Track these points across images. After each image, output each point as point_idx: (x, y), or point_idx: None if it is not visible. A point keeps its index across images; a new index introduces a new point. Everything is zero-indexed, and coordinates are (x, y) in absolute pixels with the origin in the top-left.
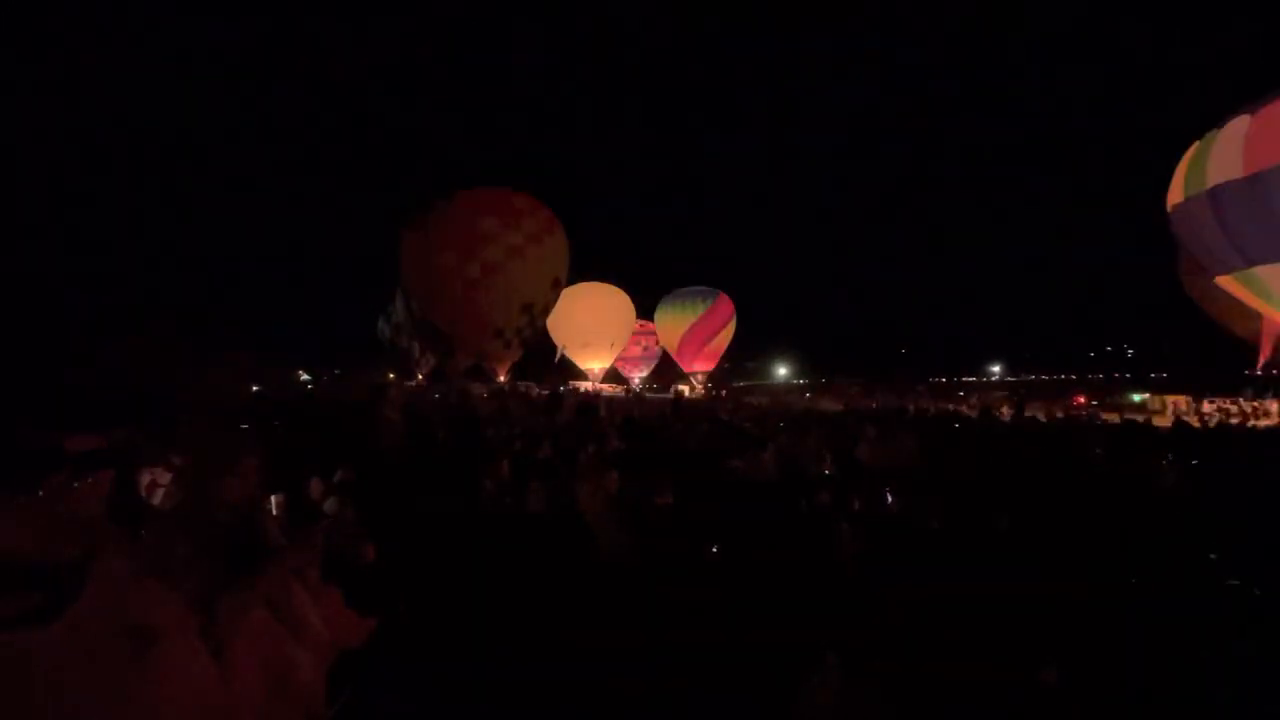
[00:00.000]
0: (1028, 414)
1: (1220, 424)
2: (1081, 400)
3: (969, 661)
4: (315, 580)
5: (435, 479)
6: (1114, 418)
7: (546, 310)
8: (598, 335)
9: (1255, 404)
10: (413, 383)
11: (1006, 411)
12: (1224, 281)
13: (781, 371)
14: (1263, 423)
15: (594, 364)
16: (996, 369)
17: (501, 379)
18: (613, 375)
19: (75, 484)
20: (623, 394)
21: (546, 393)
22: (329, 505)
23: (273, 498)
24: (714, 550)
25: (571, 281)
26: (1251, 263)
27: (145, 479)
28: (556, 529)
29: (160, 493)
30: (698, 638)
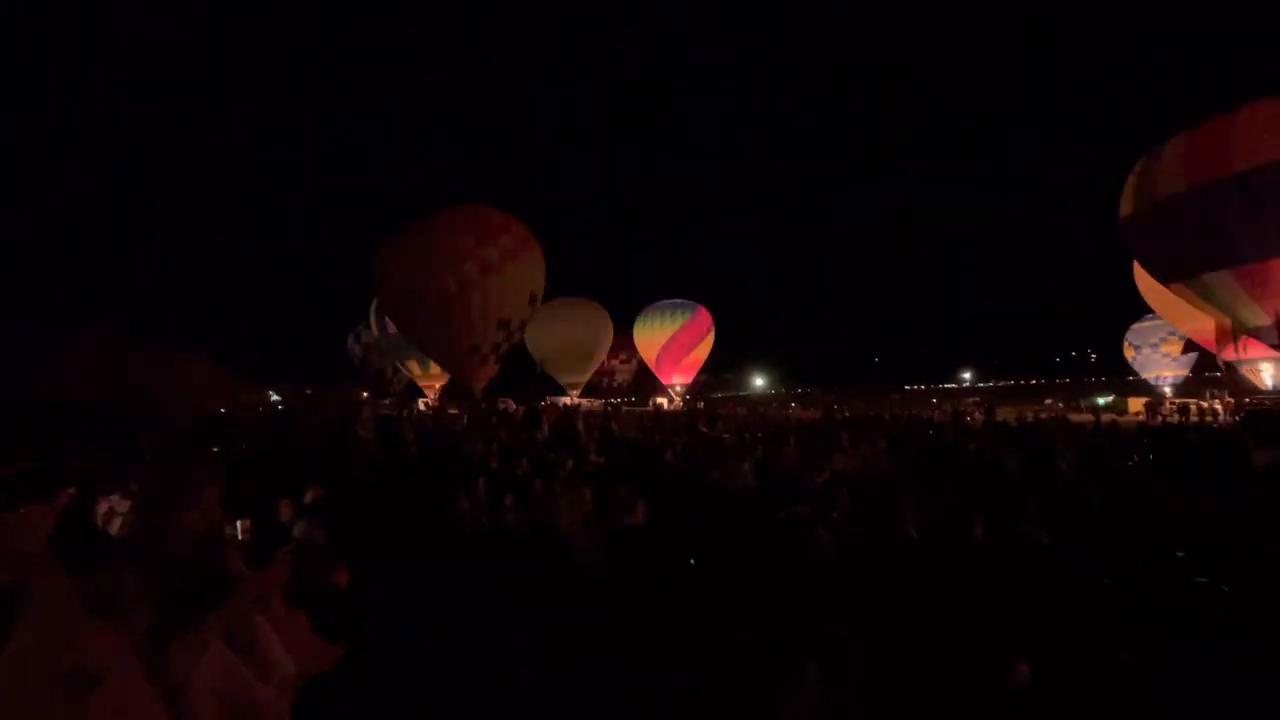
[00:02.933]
0: (999, 418)
1: (1179, 423)
2: (1052, 403)
3: (944, 664)
4: (280, 607)
5: (410, 498)
6: (1085, 418)
7: (524, 326)
8: (576, 350)
9: (1208, 403)
10: (386, 401)
11: (978, 416)
12: (1175, 288)
13: (759, 382)
14: (1216, 421)
15: (573, 378)
16: (967, 375)
17: (477, 395)
18: (591, 389)
19: (7, 512)
20: (601, 408)
21: (524, 408)
22: (298, 528)
23: (238, 523)
24: (691, 562)
25: (549, 297)
26: (1198, 270)
27: (103, 507)
28: (533, 546)
29: (118, 521)
30: (677, 647)
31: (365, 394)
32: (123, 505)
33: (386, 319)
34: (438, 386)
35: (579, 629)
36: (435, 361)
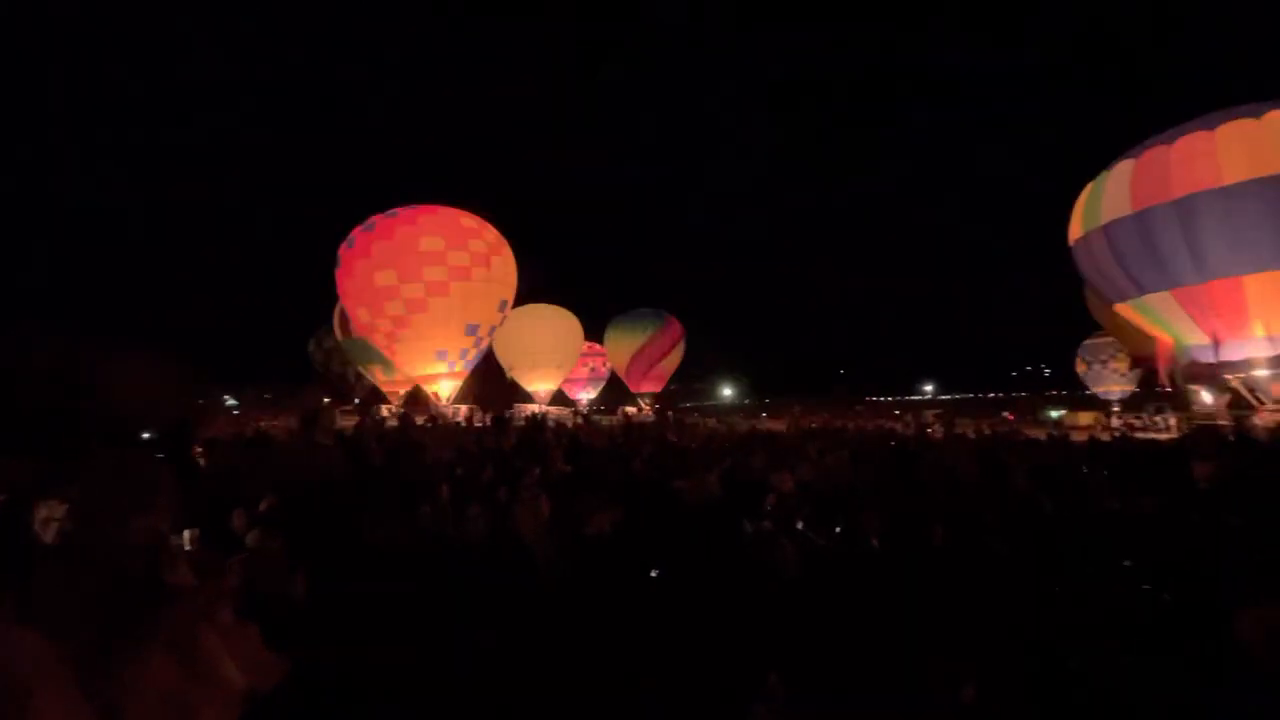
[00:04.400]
0: (957, 430)
1: (1126, 436)
2: (1010, 417)
3: (904, 677)
4: (228, 619)
5: (371, 505)
6: (1040, 433)
7: (492, 332)
8: (545, 357)
9: (1155, 418)
10: (348, 407)
11: (938, 429)
12: (1121, 308)
13: (727, 392)
14: (1162, 435)
15: (541, 386)
16: (929, 388)
17: (443, 401)
18: (560, 398)
19: None
20: (570, 416)
21: (491, 415)
22: (252, 536)
23: (185, 532)
24: (655, 574)
25: (520, 303)
26: (1143, 291)
27: (41, 513)
28: (496, 556)
29: (54, 529)
30: (641, 662)
31: (327, 399)
32: (60, 511)
33: (350, 321)
34: (402, 392)
35: (539, 639)
36: (400, 366)
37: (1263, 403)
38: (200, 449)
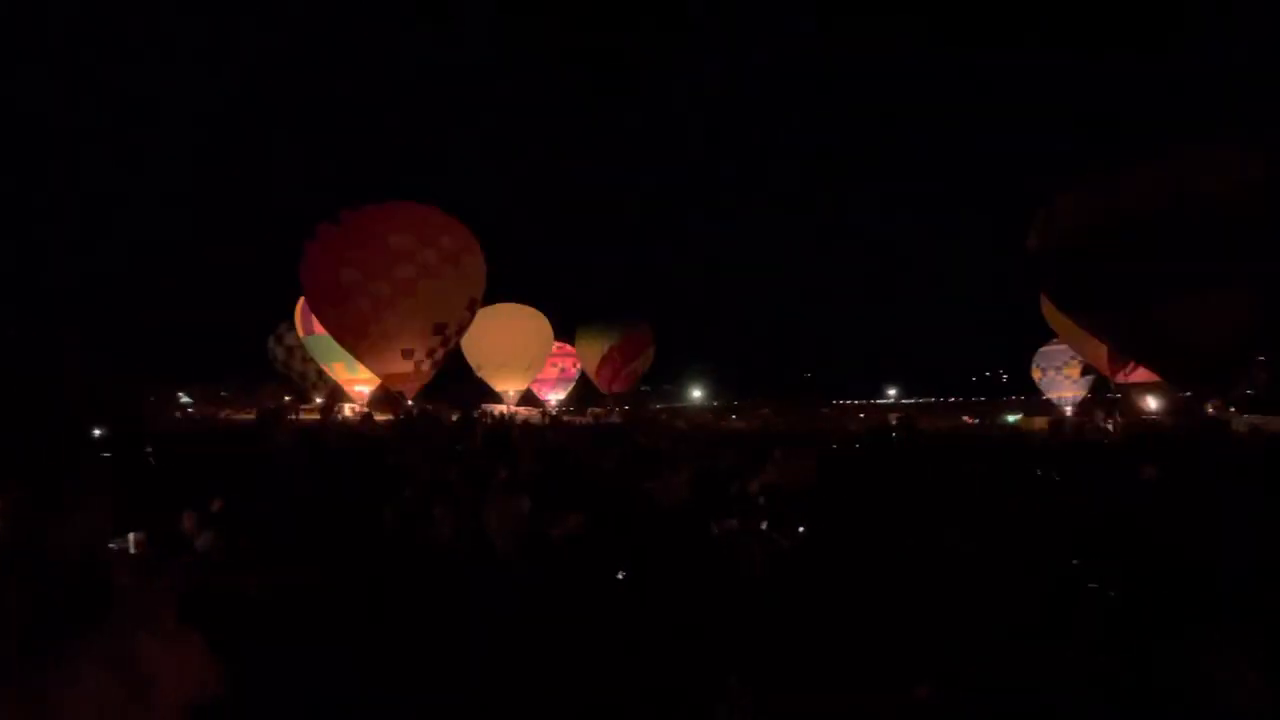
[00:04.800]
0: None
1: (1076, 440)
2: (971, 420)
3: (863, 679)
4: (171, 625)
5: (330, 507)
6: (999, 434)
7: (461, 331)
8: (515, 357)
9: (1102, 423)
10: (309, 406)
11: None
12: (1075, 317)
13: (696, 394)
14: (1107, 438)
15: (510, 386)
16: (893, 391)
17: (410, 402)
18: (528, 398)
19: None
20: (539, 417)
21: (458, 416)
22: (202, 540)
23: (130, 535)
24: (620, 576)
25: (489, 302)
26: (1093, 303)
27: None
28: (460, 557)
29: None
30: (606, 665)
31: (287, 398)
32: None
33: (312, 318)
34: (366, 392)
35: (506, 640)
36: (364, 364)
37: (1203, 410)
38: (150, 448)
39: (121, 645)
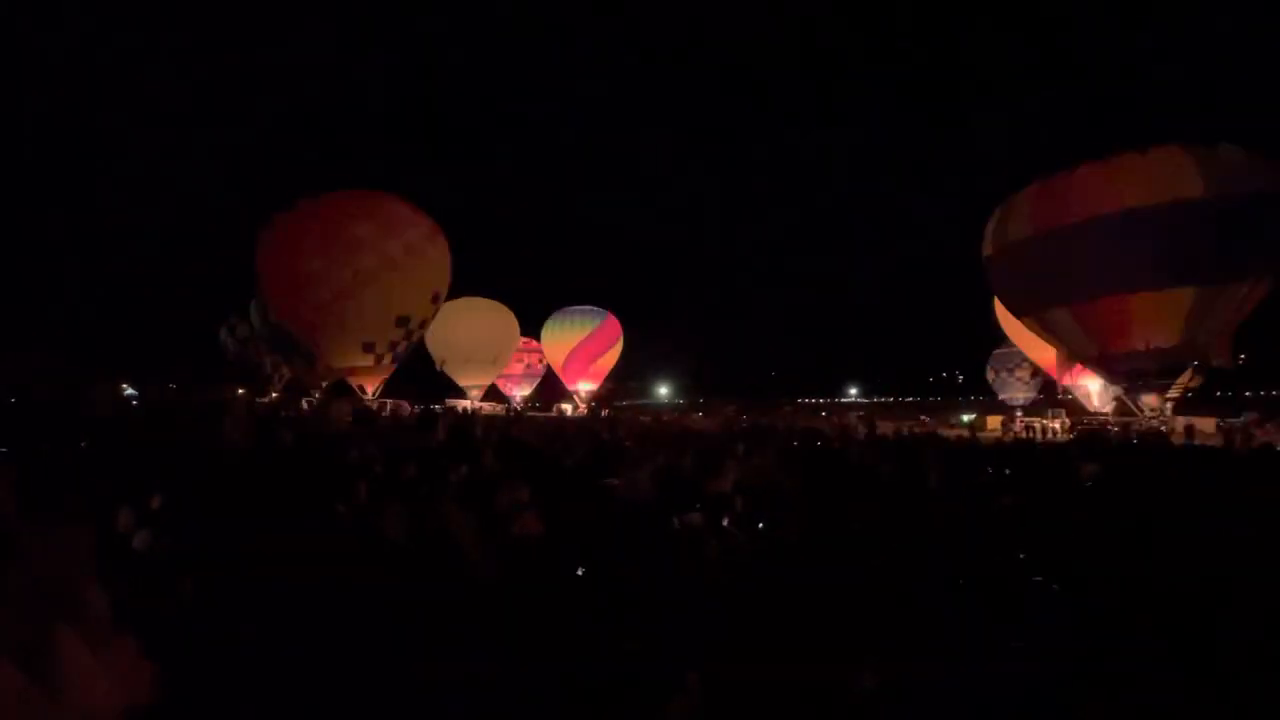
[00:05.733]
0: (878, 431)
1: (1025, 439)
2: (926, 420)
3: (812, 668)
4: (100, 627)
5: (280, 503)
6: (953, 434)
7: (424, 324)
8: (479, 352)
9: (1049, 422)
10: (265, 399)
11: (861, 429)
12: (1025, 321)
13: (663, 391)
14: (1054, 437)
15: (475, 381)
16: (854, 391)
17: (369, 395)
18: (493, 393)
19: None
20: (503, 412)
21: (419, 411)
22: (139, 538)
23: None
24: (580, 571)
25: (454, 296)
26: (1045, 306)
27: None
28: (417, 554)
29: None
30: (562, 659)
31: (240, 390)
32: None
33: (268, 309)
34: (325, 384)
35: (461, 638)
36: (323, 358)
37: (1142, 410)
38: (84, 441)
39: (37, 646)
